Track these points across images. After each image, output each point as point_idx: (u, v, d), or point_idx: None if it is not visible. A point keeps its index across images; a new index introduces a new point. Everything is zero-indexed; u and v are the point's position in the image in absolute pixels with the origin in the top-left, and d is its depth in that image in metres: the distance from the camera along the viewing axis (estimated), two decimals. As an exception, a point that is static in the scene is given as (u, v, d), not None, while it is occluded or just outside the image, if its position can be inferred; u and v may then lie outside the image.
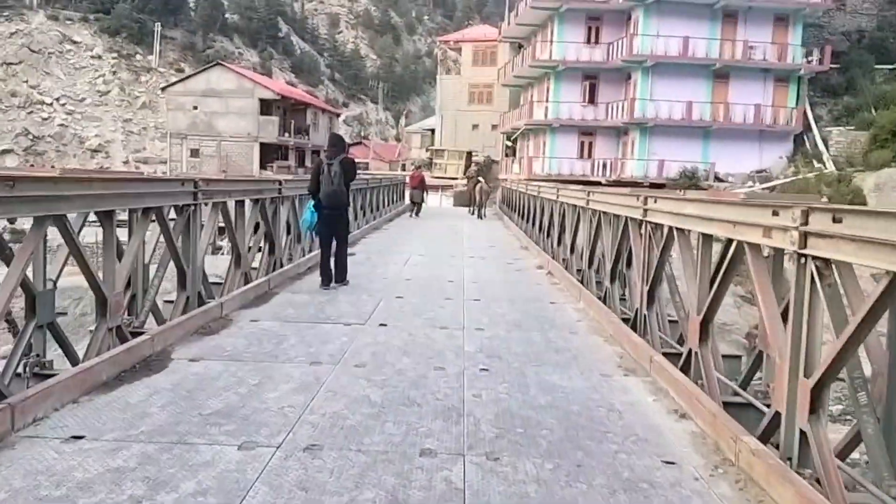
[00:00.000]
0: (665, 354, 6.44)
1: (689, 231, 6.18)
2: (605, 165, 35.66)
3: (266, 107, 47.25)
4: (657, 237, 7.14)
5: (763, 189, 33.12)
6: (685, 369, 5.81)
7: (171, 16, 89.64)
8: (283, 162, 47.25)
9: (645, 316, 7.15)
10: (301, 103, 52.99)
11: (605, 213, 9.39)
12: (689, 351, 5.81)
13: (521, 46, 42.56)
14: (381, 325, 7.33)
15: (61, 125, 79.14)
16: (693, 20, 33.76)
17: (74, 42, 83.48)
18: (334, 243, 9.73)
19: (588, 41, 36.21)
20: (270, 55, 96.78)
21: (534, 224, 17.86)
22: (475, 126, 46.69)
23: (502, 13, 46.92)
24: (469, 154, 43.80)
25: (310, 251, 12.62)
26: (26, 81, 79.28)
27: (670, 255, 6.83)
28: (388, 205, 24.17)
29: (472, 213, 29.25)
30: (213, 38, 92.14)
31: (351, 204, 10.94)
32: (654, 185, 32.32)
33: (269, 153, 47.36)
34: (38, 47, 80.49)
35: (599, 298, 9.00)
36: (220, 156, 46.03)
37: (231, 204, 8.84)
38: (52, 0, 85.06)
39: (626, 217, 8.04)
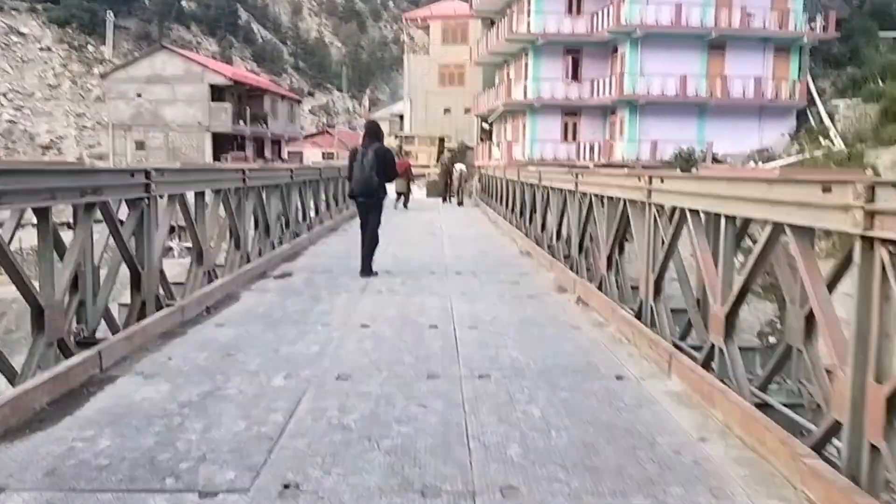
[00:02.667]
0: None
1: None
2: (591, 148, 31.65)
3: (218, 93, 42.36)
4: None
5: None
6: None
7: (125, 4, 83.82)
8: (238, 153, 42.50)
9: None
10: (257, 89, 48.04)
11: (693, 211, 5.33)
12: None
13: (493, 23, 38.28)
14: (288, 488, 3.16)
15: (10, 121, 73.70)
16: (685, -15, 29.79)
17: (21, 34, 77.80)
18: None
19: (569, 11, 32.04)
20: (230, 44, 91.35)
21: (531, 220, 13.75)
22: (447, 110, 42.29)
23: (469, -3, 42.76)
24: (441, 140, 39.46)
25: (235, 267, 8.39)
26: (-31, 76, 73.48)
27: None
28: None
29: (447, 202, 26.50)
30: (168, 26, 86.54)
31: (385, 192, 9.75)
32: (646, 168, 28.47)
33: (224, 144, 42.57)
34: (-18, 40, 74.64)
35: (699, 364, 4.94)
36: (168, 147, 41.19)
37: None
38: (-5, -10, 78.93)
39: (778, 225, 3.98)
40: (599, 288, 8.02)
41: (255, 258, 10.25)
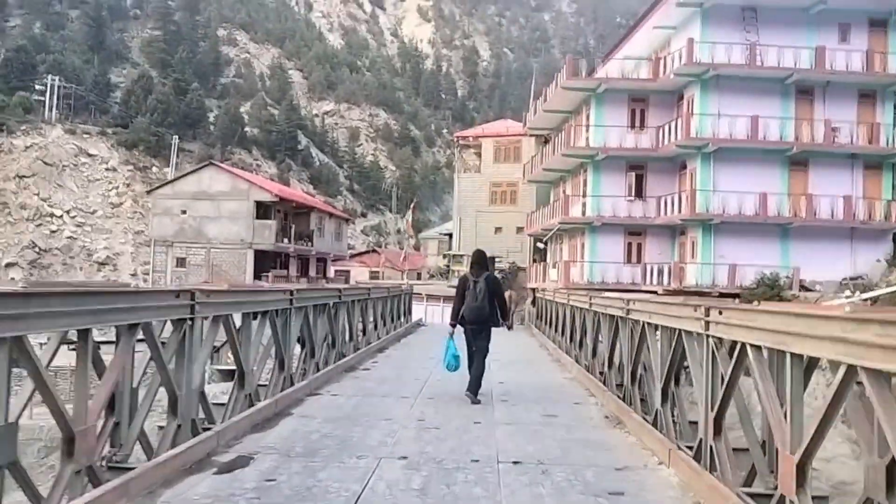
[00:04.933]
0: None
1: None
2: (659, 271, 27.90)
3: (263, 210, 40.46)
4: None
5: (865, 300, 25.07)
6: None
7: (190, 129, 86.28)
8: (280, 271, 39.99)
9: None
10: (303, 206, 46.13)
11: None
12: None
13: (546, 141, 35.94)
14: None
15: (70, 237, 74.55)
16: (760, 97, 26.83)
17: (90, 155, 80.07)
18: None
19: (632, 125, 29.29)
20: (289, 167, 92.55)
21: (609, 363, 10.04)
22: (498, 229, 39.34)
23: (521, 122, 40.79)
24: (492, 259, 36.33)
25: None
26: (37, 194, 75.20)
27: None
28: (381, 326, 16.44)
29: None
30: (231, 150, 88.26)
31: (497, 321, 9.26)
32: (723, 295, 24.60)
33: (266, 261, 40.22)
34: (53, 160, 76.84)
35: None
36: (209, 265, 38.98)
37: None
38: (71, 115, 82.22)
39: None
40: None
41: (226, 418, 6.85)
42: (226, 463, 5.52)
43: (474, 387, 8.79)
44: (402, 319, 19.96)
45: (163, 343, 5.76)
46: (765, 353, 4.84)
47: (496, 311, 9.13)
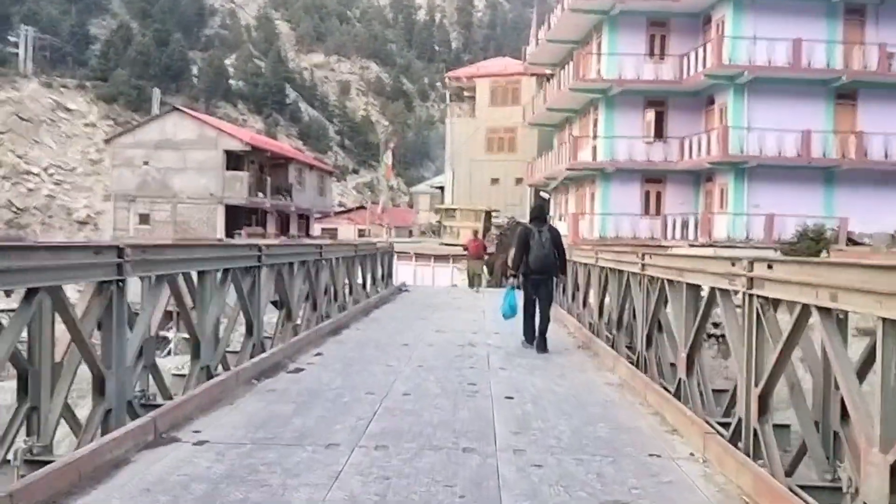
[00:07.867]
0: None
1: None
2: (683, 224, 23.63)
3: (235, 161, 35.84)
4: None
5: (926, 255, 20.89)
6: None
7: (173, 82, 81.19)
8: (255, 228, 35.62)
9: None
10: (281, 157, 41.36)
11: None
12: None
13: (549, 79, 31.26)
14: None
15: (48, 196, 70.25)
16: (803, 17, 22.33)
17: (68, 109, 75.31)
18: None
19: (651, 53, 24.71)
20: (276, 122, 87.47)
21: (685, 369, 5.85)
22: (494, 180, 34.81)
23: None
24: (488, 214, 31.72)
25: None
26: (13, 150, 70.49)
27: None
28: (347, 296, 12.17)
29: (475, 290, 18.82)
30: (216, 104, 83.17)
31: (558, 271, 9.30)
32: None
33: (240, 217, 35.80)
34: (29, 115, 72.05)
35: None
36: (175, 221, 34.62)
37: None
38: (48, 68, 77.13)
39: None
40: None
41: None
42: None
43: (542, 341, 8.74)
44: (378, 285, 15.71)
45: None
46: None
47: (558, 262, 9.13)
